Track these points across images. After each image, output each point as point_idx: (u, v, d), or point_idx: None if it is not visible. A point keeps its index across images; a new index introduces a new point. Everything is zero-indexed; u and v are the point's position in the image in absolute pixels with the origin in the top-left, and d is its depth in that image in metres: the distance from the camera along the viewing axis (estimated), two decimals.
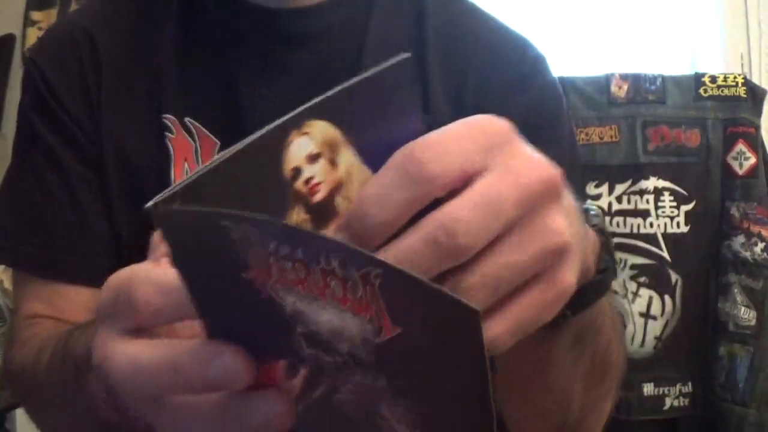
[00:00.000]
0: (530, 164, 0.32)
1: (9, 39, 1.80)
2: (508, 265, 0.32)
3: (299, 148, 0.35)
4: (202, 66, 0.69)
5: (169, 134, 0.66)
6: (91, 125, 0.68)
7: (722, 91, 1.58)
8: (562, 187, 0.33)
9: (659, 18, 1.90)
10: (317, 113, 0.35)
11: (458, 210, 0.31)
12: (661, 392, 1.54)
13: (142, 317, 0.36)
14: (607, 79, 1.57)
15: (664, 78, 1.59)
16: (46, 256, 0.69)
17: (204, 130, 0.67)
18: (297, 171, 0.36)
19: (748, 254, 1.54)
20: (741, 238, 1.55)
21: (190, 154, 0.66)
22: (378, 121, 0.35)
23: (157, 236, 0.39)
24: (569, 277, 0.34)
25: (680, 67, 1.81)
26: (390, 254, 0.31)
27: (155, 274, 0.36)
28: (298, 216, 0.36)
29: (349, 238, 0.31)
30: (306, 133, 0.35)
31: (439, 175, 0.31)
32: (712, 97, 1.58)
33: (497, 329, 0.33)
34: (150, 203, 0.31)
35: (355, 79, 0.34)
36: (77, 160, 0.68)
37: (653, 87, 1.59)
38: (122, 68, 0.69)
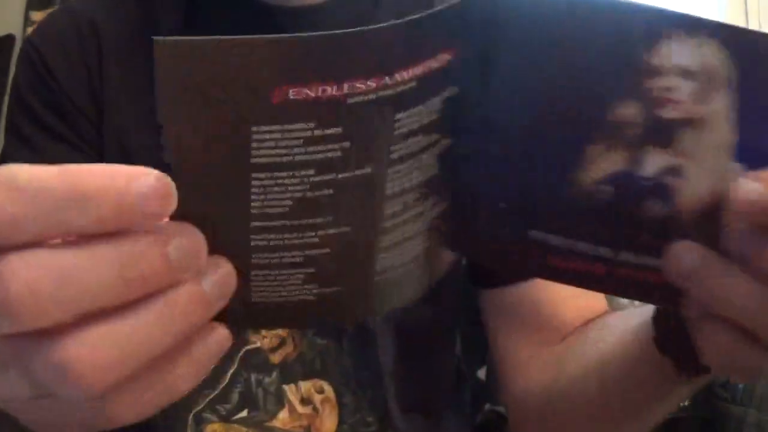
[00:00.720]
0: None
1: (9, 39, 1.80)
2: (744, 308, 0.34)
3: (678, 52, 0.29)
4: None
5: None
6: (93, 113, 0.67)
7: None
8: None
9: None
10: (719, 35, 0.28)
11: None
12: None
13: None
14: None
15: None
16: None
17: None
18: (657, 69, 0.29)
19: None
20: None
21: None
22: None
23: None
24: None
25: None
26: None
27: (11, 171, 0.27)
28: (626, 109, 0.30)
29: (755, 197, 0.29)
30: (692, 44, 0.28)
31: None
32: None
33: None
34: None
35: None
36: (79, 139, 0.67)
37: None
38: (125, 59, 0.68)
